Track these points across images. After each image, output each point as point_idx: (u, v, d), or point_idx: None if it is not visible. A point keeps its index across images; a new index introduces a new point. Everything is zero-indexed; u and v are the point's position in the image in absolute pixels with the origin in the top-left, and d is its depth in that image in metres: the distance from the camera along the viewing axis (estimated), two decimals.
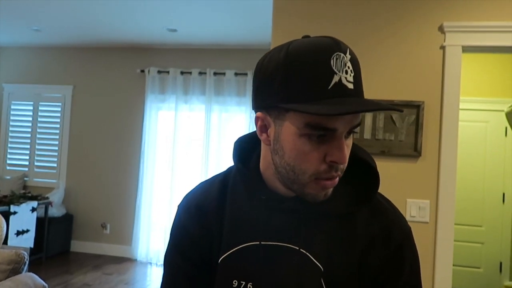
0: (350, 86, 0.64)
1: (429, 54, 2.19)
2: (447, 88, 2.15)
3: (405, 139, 2.17)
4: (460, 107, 2.18)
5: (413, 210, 2.12)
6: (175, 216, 0.84)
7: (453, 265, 2.15)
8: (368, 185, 0.75)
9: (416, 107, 2.16)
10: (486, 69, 4.23)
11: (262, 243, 0.73)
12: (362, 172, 0.76)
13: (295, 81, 0.64)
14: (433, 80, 2.18)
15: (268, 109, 0.69)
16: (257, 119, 0.72)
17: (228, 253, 0.75)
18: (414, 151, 2.16)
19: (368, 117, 2.19)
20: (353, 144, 0.77)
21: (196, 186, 0.86)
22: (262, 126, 0.72)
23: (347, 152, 0.68)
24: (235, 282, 0.73)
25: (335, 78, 0.62)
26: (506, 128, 4.21)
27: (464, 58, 2.21)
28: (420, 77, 2.19)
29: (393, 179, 2.15)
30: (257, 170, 0.77)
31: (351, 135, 0.69)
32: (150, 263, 4.76)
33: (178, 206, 0.85)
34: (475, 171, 4.26)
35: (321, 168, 0.66)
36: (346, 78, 0.63)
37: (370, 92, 2.20)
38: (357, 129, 0.68)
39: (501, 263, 4.22)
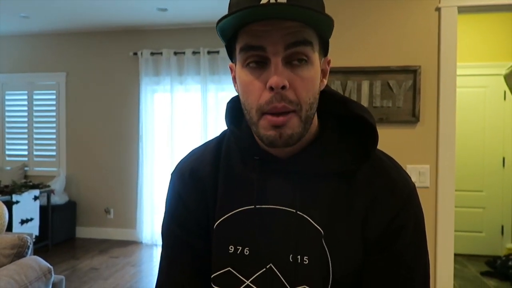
0: (282, 0, 0.61)
1: (424, 17, 2.14)
2: (444, 50, 2.11)
3: (403, 105, 2.15)
4: (458, 73, 2.15)
5: (413, 175, 2.12)
6: (169, 184, 0.81)
7: (455, 230, 2.16)
8: (366, 142, 0.71)
9: (413, 72, 2.13)
10: (482, 33, 4.17)
11: (257, 207, 0.71)
12: (360, 129, 0.72)
13: (230, 9, 0.66)
14: (429, 43, 2.14)
15: (233, 56, 0.71)
16: (230, 70, 0.74)
17: (223, 218, 0.72)
18: (412, 117, 2.14)
19: (365, 84, 2.16)
20: (351, 100, 0.74)
21: (189, 153, 0.83)
22: (234, 77, 0.72)
23: (299, 83, 0.64)
24: (231, 248, 0.71)
25: None
26: (504, 92, 4.18)
27: (459, 23, 2.16)
28: (416, 41, 2.15)
29: (392, 145, 2.13)
30: (248, 130, 0.73)
31: (302, 63, 0.64)
32: (156, 245, 4.81)
33: (172, 174, 0.81)
34: (475, 137, 4.25)
35: (264, 98, 0.64)
36: None
37: (366, 59, 2.17)
38: (302, 50, 0.63)
39: (502, 227, 4.26)
